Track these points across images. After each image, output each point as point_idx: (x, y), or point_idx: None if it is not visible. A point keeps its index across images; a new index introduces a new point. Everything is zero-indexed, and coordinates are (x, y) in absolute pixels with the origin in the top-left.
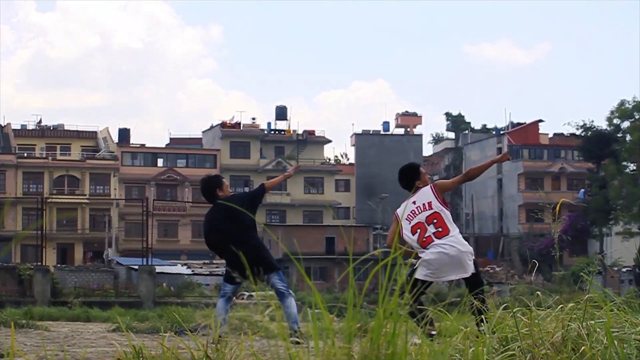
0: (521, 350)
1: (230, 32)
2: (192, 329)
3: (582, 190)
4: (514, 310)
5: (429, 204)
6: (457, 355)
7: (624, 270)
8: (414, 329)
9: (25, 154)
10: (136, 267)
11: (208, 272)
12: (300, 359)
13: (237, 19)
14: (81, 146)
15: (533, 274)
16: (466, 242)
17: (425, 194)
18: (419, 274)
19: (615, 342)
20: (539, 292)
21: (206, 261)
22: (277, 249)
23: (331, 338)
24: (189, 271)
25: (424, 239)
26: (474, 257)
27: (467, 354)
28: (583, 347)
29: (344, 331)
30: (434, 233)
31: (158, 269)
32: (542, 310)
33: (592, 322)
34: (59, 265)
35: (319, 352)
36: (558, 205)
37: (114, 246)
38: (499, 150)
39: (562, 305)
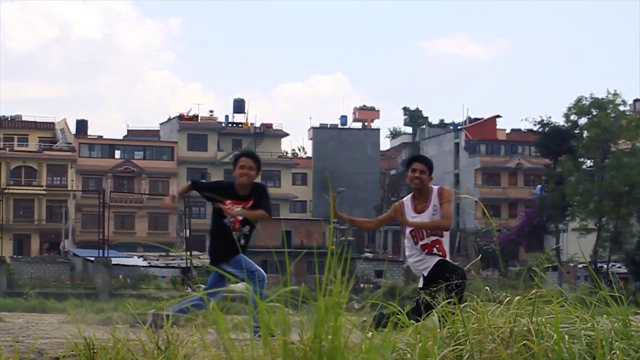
0: (471, 344)
1: (188, 25)
2: (145, 322)
3: (539, 186)
4: (464, 304)
5: None
6: (407, 349)
7: (579, 266)
8: (356, 323)
9: None
10: (92, 258)
11: (164, 265)
12: (243, 351)
13: (195, 11)
14: (38, 137)
15: (478, 269)
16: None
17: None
18: None
19: (566, 337)
20: (487, 287)
21: (162, 253)
22: None
23: (274, 330)
24: (145, 263)
25: None
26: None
27: (417, 348)
28: (526, 342)
29: (281, 324)
30: None
31: (114, 261)
32: (493, 305)
33: (542, 317)
34: (15, 256)
35: (262, 344)
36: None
37: (70, 237)
38: (456, 145)
39: (509, 300)
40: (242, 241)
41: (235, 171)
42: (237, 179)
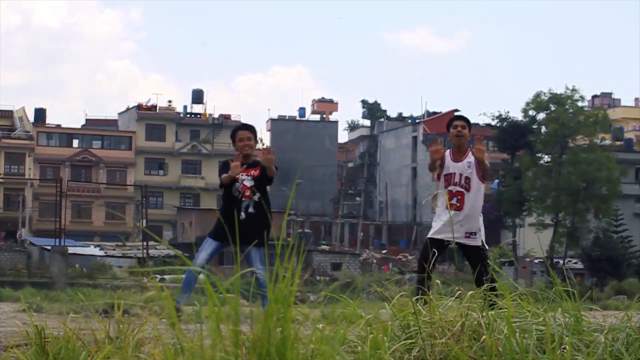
0: (422, 338)
1: (149, 15)
2: (100, 311)
3: (496, 180)
4: (416, 297)
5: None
6: (358, 342)
7: (535, 261)
8: (308, 315)
9: None
10: (49, 247)
11: (121, 254)
12: (191, 341)
13: (156, 1)
14: None
15: (431, 264)
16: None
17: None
18: None
19: (517, 332)
20: (438, 281)
21: (119, 243)
22: (191, 233)
23: (224, 321)
24: (101, 253)
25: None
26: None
27: (368, 340)
28: (483, 337)
29: (230, 314)
30: None
31: (71, 250)
32: (447, 299)
33: (493, 312)
34: None
35: (212, 334)
36: (433, 196)
37: (27, 226)
38: (414, 138)
39: (460, 294)
40: (251, 209)
41: (237, 145)
42: (241, 151)
